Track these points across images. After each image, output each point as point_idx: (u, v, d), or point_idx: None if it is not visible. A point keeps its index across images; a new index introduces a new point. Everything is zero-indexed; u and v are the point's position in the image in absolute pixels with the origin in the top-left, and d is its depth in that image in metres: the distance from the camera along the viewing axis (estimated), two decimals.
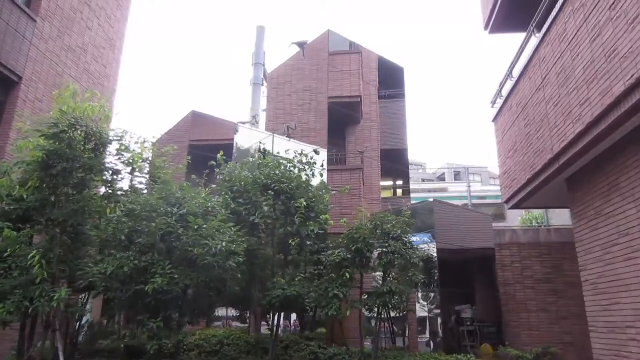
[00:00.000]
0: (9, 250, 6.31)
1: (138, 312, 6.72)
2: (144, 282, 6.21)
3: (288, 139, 12.54)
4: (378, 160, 15.79)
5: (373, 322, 11.51)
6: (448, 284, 13.49)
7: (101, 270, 6.04)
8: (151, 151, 7.49)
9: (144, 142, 7.33)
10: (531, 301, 12.33)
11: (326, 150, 12.49)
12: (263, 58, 19.26)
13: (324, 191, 9.09)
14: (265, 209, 7.81)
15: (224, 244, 6.16)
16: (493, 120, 10.72)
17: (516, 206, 10.04)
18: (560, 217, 17.04)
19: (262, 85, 19.08)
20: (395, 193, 19.15)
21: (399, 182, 18.97)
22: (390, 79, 17.44)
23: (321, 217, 8.49)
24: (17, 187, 7.17)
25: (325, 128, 13.82)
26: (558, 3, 7.05)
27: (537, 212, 15.80)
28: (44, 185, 6.82)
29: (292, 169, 8.88)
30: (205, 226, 6.32)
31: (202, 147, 11.52)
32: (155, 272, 6.17)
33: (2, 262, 6.43)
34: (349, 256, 8.43)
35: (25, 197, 7.09)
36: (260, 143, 10.82)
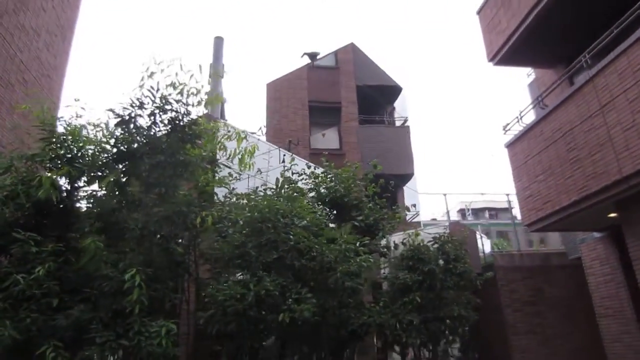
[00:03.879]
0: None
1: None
2: (271, 309, 4.94)
3: (290, 154, 11.60)
4: None
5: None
6: None
7: (235, 295, 4.63)
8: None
9: (245, 135, 5.97)
10: (520, 323, 12.82)
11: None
12: (222, 70, 18.04)
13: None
14: (357, 223, 6.92)
15: (371, 260, 5.21)
16: (508, 146, 11.13)
17: (542, 229, 10.41)
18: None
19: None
20: None
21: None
22: (388, 101, 17.41)
23: None
24: (37, 187, 5.48)
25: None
26: (634, 35, 7.58)
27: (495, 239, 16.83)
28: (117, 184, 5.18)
29: (351, 185, 8.10)
30: (342, 240, 5.30)
31: None
32: (289, 296, 4.94)
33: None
34: (420, 278, 7.85)
35: (55, 199, 5.46)
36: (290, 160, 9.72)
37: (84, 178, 6.04)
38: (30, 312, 5.11)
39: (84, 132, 6.48)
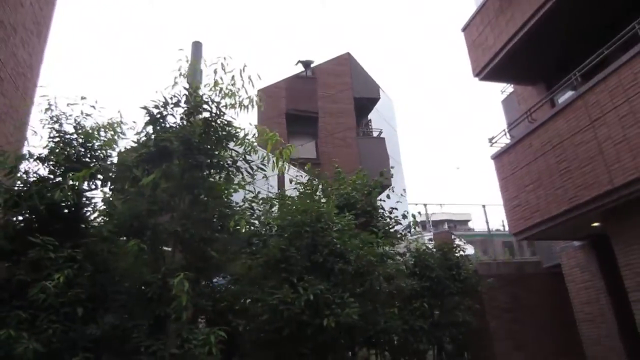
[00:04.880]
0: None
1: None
2: (313, 315, 4.87)
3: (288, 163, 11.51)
4: None
5: None
6: None
7: (286, 299, 4.52)
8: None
9: (276, 139, 5.83)
10: (500, 330, 13.21)
11: None
12: (200, 76, 17.81)
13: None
14: (374, 229, 6.95)
15: (412, 262, 5.25)
16: (494, 158, 11.56)
17: (529, 237, 10.86)
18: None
19: None
20: None
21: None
22: (366, 112, 17.61)
23: None
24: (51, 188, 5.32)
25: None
26: (625, 56, 8.15)
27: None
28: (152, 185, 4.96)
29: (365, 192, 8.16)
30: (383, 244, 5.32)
31: None
32: (333, 300, 4.88)
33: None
34: (427, 284, 7.96)
35: (72, 201, 5.25)
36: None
37: (97, 180, 5.78)
38: (50, 322, 4.79)
39: (96, 132, 6.24)
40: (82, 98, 6.36)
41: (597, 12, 9.91)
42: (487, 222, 16.21)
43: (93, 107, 6.38)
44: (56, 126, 6.30)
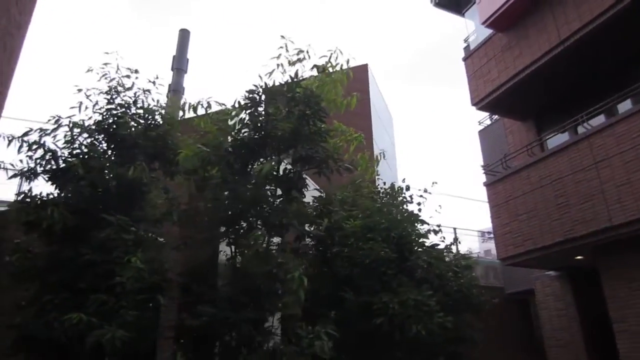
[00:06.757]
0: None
1: None
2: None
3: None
4: None
5: None
6: None
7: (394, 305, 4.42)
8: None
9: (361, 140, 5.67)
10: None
11: None
12: (186, 64, 17.17)
13: None
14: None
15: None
16: (487, 185, 12.10)
17: (515, 264, 11.43)
18: None
19: (183, 94, 16.89)
20: None
21: None
22: None
23: None
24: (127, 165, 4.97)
25: None
26: (637, 106, 8.93)
27: None
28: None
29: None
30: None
31: None
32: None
33: None
34: (447, 299, 8.11)
35: (145, 179, 4.92)
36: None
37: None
38: (122, 308, 4.37)
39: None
40: (136, 71, 5.93)
41: (599, 62, 10.78)
42: (457, 247, 16.76)
43: (152, 82, 5.97)
44: (108, 97, 5.83)
